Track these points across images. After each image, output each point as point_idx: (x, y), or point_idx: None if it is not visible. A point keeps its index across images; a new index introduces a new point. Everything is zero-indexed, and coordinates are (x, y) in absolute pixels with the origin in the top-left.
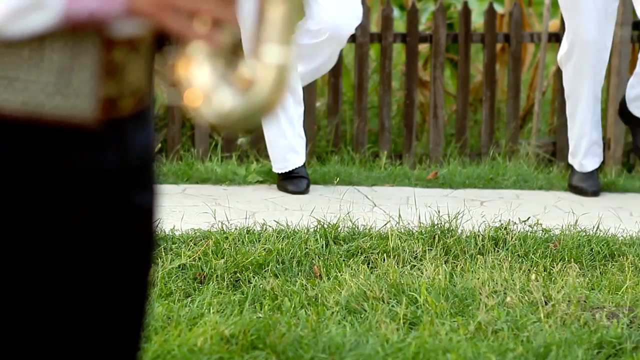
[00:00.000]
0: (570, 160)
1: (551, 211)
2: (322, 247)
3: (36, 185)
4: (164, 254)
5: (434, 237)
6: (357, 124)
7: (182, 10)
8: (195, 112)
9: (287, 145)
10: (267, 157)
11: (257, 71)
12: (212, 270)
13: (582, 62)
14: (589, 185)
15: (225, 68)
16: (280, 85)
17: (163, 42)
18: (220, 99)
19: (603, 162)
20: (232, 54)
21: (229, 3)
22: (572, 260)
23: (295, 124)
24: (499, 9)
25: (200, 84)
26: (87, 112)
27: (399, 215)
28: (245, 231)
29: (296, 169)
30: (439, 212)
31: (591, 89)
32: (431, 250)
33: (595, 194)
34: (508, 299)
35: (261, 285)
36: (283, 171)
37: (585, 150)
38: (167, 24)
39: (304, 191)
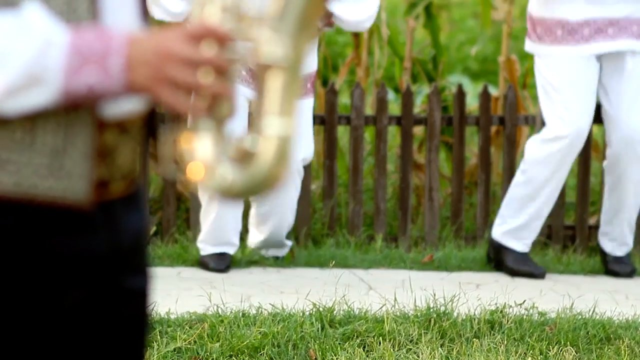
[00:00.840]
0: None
1: (547, 294)
2: (318, 331)
3: (27, 268)
4: (159, 337)
5: (430, 321)
6: (352, 207)
7: (181, 85)
8: (197, 185)
9: (235, 228)
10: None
11: (258, 144)
12: (208, 353)
13: (572, 152)
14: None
15: (226, 141)
16: (282, 158)
17: (154, 124)
18: (222, 172)
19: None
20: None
21: (227, 77)
22: (569, 343)
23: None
24: (493, 91)
25: (201, 157)
26: (79, 195)
27: (395, 298)
28: (240, 314)
29: None
30: (434, 295)
31: (564, 175)
32: (427, 333)
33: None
34: None
35: None
36: (221, 251)
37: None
38: (166, 98)
39: (226, 269)
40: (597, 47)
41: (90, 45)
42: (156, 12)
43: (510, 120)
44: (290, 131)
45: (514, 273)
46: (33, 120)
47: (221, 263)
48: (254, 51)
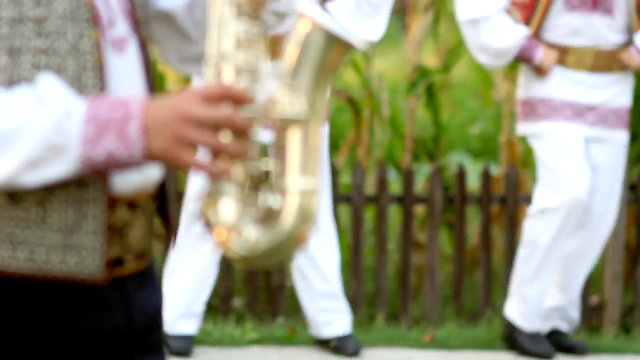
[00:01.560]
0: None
1: None
2: None
3: (41, 346)
4: None
5: None
6: (353, 286)
7: (200, 147)
8: (222, 247)
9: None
10: (263, 318)
11: (281, 203)
12: None
13: (569, 219)
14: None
15: (248, 202)
16: (306, 216)
17: (165, 199)
18: (245, 233)
19: (598, 324)
20: (254, 187)
21: (246, 137)
22: None
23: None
24: (494, 169)
25: (224, 219)
26: (93, 271)
27: None
28: None
29: None
30: None
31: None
32: None
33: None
34: None
35: None
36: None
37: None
38: (185, 161)
39: (189, 353)
40: (579, 129)
41: (108, 113)
42: None
43: (511, 200)
44: (313, 189)
45: (525, 353)
46: (45, 197)
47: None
48: (271, 109)
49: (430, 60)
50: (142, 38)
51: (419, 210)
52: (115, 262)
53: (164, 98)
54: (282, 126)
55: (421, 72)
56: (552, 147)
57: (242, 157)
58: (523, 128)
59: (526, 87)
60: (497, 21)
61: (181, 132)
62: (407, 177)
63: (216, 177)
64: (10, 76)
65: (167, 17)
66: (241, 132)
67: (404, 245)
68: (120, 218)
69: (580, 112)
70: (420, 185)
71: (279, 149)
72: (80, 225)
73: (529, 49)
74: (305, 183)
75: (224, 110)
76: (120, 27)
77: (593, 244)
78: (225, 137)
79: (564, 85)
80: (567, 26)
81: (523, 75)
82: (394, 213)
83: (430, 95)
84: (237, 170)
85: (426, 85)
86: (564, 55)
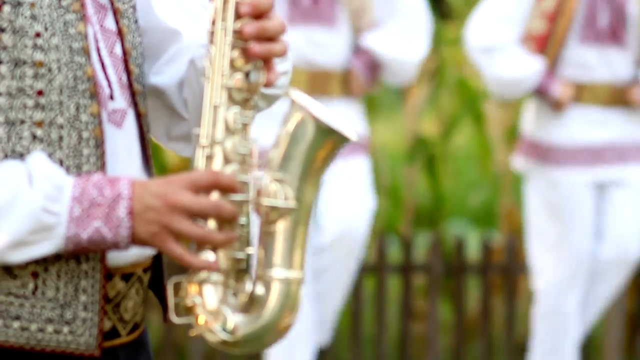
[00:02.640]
0: None
1: None
2: None
3: None
4: None
5: None
6: (352, 355)
7: (185, 237)
8: (205, 333)
9: None
10: None
11: (265, 292)
12: None
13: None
14: None
15: (232, 290)
16: (288, 306)
17: (161, 270)
18: (227, 319)
19: None
20: (238, 273)
21: (233, 227)
22: None
23: None
24: (495, 235)
25: (206, 304)
26: (86, 344)
27: None
28: None
29: None
30: None
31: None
32: None
33: None
34: None
35: None
36: None
37: None
38: (170, 249)
39: None
40: (594, 174)
41: (97, 192)
42: None
43: (511, 270)
44: (298, 279)
45: None
46: (39, 269)
47: None
48: (259, 199)
49: (430, 127)
50: (139, 111)
51: (419, 279)
52: (109, 333)
53: (153, 181)
54: (269, 216)
55: (420, 142)
56: (561, 197)
57: (228, 246)
58: (522, 164)
59: (536, 123)
60: (511, 51)
61: (167, 220)
62: (407, 248)
63: (202, 270)
64: (8, 148)
65: (157, 93)
66: (228, 222)
67: (403, 315)
68: (114, 289)
69: (596, 152)
70: (420, 252)
71: (266, 238)
72: (75, 299)
73: (544, 82)
74: (290, 274)
75: (212, 200)
76: (119, 100)
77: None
78: (212, 229)
79: (580, 123)
80: (582, 60)
81: (533, 110)
82: (394, 282)
83: (430, 163)
84: (222, 257)
85: (426, 155)
86: (580, 91)
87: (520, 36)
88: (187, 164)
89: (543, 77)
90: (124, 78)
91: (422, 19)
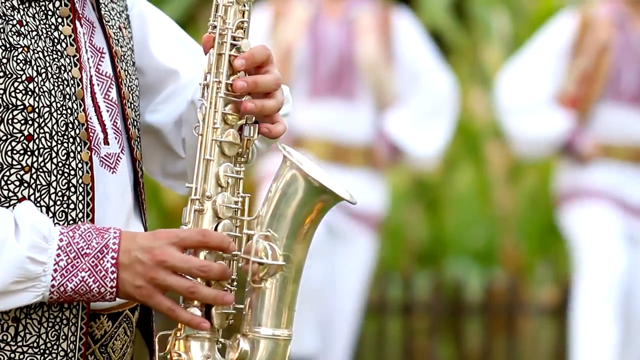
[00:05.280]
0: None
1: None
2: None
3: None
4: None
5: None
6: None
7: (172, 291)
8: None
9: None
10: None
11: (251, 349)
12: None
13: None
14: None
15: (219, 346)
16: None
17: (148, 309)
18: None
19: None
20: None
21: (221, 285)
22: None
23: None
24: (496, 271)
25: (192, 358)
26: None
27: None
28: None
29: None
30: None
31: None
32: None
33: None
34: None
35: None
36: None
37: None
38: (155, 303)
39: None
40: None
41: (85, 242)
42: None
43: (512, 311)
44: (285, 338)
45: None
46: (21, 315)
47: None
48: (248, 257)
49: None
50: (134, 156)
51: (420, 318)
52: None
53: (142, 234)
54: (257, 273)
55: (421, 183)
56: (588, 223)
57: (215, 303)
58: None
59: (568, 177)
60: (540, 111)
61: (153, 274)
62: (408, 289)
63: (190, 326)
64: None
65: (153, 131)
66: (216, 280)
67: (405, 356)
68: (101, 329)
69: (623, 203)
70: (421, 291)
71: (254, 295)
72: (56, 346)
73: (572, 138)
74: (278, 333)
75: (199, 262)
76: (113, 145)
77: None
78: (199, 287)
79: (608, 176)
80: (611, 121)
81: (563, 168)
82: (395, 321)
83: (431, 203)
84: (211, 312)
85: (426, 195)
86: (609, 150)
87: (553, 95)
88: (185, 204)
89: (571, 133)
90: (119, 122)
91: (445, 99)
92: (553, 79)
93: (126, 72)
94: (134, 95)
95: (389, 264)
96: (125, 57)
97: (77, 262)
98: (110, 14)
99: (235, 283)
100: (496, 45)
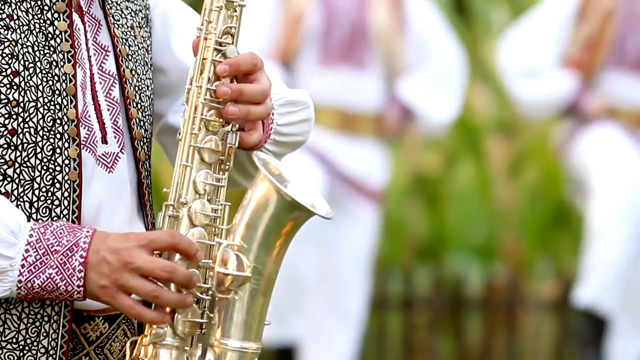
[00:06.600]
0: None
1: None
2: None
3: None
4: None
5: None
6: None
7: (136, 294)
8: None
9: None
10: None
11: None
12: None
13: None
14: None
15: (187, 354)
16: None
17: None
18: None
19: None
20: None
21: (188, 289)
22: None
23: None
24: (497, 266)
25: None
26: None
27: None
28: None
29: None
30: None
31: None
32: None
33: None
34: None
35: None
36: None
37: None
38: (119, 304)
39: None
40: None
41: (55, 239)
42: None
43: (513, 306)
44: (251, 355)
45: None
46: (3, 309)
47: None
48: (217, 267)
49: (431, 161)
50: (138, 156)
51: (421, 313)
52: None
53: (113, 235)
54: (224, 284)
55: (421, 178)
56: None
57: (182, 308)
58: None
59: (574, 144)
60: (546, 73)
61: (118, 276)
62: (408, 284)
63: (151, 322)
64: None
65: (174, 131)
66: (183, 286)
67: (405, 352)
68: (96, 331)
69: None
70: (421, 285)
71: (222, 306)
72: (36, 343)
73: (577, 98)
74: (245, 345)
75: (164, 263)
76: (112, 144)
77: None
78: (166, 292)
79: (614, 132)
80: (615, 86)
81: (568, 134)
82: (396, 316)
83: (431, 198)
84: (179, 319)
85: (427, 190)
86: (613, 113)
87: (558, 59)
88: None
89: (577, 94)
90: (121, 122)
91: (456, 68)
92: (558, 44)
93: (133, 72)
94: (142, 95)
95: (389, 258)
96: (135, 56)
97: (46, 259)
98: (122, 12)
99: (210, 292)
100: (497, 41)
